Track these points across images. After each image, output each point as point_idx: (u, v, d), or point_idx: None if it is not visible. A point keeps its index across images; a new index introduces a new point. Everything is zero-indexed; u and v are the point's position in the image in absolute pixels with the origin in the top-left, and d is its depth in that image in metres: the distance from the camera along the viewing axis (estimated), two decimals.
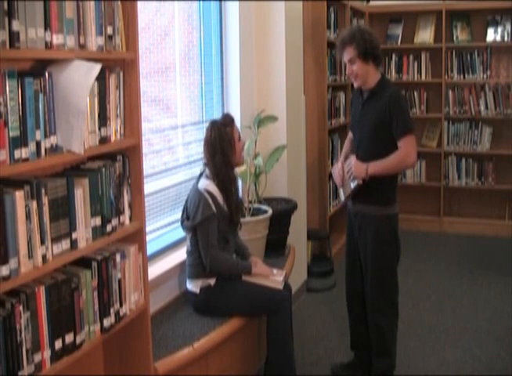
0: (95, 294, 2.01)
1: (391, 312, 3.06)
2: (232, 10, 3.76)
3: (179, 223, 3.19)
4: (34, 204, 1.70)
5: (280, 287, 2.95)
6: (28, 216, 1.68)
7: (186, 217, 2.91)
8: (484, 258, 5.27)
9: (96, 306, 2.01)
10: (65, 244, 1.84)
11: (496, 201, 6.03)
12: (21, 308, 1.68)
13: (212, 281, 2.89)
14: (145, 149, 2.48)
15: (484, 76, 5.88)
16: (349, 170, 2.99)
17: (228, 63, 3.82)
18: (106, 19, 1.97)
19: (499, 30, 5.80)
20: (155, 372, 2.39)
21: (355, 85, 3.02)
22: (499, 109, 5.83)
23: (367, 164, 2.90)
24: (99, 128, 1.98)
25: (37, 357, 1.75)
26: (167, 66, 3.23)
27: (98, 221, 1.99)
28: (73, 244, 1.88)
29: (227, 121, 2.96)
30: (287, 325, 2.91)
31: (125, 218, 2.17)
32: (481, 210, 6.10)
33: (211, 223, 2.83)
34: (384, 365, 3.10)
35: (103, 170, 2.02)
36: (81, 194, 1.90)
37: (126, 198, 2.17)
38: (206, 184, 2.88)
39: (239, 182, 3.45)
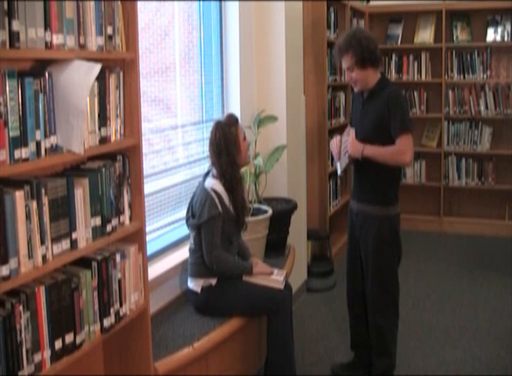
0: (95, 294, 2.01)
1: (392, 313, 3.06)
2: (232, 10, 3.76)
3: (179, 223, 3.20)
4: (34, 204, 1.70)
5: (281, 286, 2.95)
6: (28, 216, 1.68)
7: (192, 215, 2.91)
8: (484, 258, 5.27)
9: (96, 306, 2.01)
10: (65, 244, 1.84)
11: (496, 201, 6.03)
12: (21, 308, 1.68)
13: (213, 281, 2.89)
14: (145, 149, 2.48)
15: (484, 76, 5.88)
16: (346, 146, 2.98)
17: (228, 63, 3.82)
18: (106, 19, 1.97)
19: (499, 30, 5.80)
20: (155, 372, 2.39)
21: (356, 90, 3.02)
22: (499, 109, 5.83)
23: (363, 145, 2.90)
24: (99, 128, 1.98)
25: (37, 357, 1.75)
26: (167, 66, 3.23)
27: (98, 221, 1.99)
28: (73, 244, 1.88)
29: (231, 121, 2.96)
30: (287, 325, 2.91)
31: (125, 218, 2.17)
32: (481, 210, 6.10)
33: (216, 223, 2.83)
34: (384, 365, 3.10)
35: (103, 170, 2.02)
36: (81, 194, 1.90)
37: (126, 198, 2.17)
38: (213, 183, 2.88)
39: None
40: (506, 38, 5.79)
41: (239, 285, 2.92)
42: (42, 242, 1.74)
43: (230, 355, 2.90)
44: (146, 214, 2.30)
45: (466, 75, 5.92)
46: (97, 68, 1.86)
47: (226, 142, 2.89)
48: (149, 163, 3.02)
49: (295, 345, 3.03)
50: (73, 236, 1.88)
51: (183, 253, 3.15)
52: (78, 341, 1.92)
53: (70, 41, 1.82)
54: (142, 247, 2.26)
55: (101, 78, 1.96)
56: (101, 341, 2.26)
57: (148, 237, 2.46)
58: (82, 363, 2.21)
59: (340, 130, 5.25)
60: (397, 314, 3.09)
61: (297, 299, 4.17)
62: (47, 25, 1.71)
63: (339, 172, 3.17)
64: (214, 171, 2.93)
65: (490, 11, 5.80)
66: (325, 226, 4.80)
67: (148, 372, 2.34)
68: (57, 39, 1.76)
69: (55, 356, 1.82)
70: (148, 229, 2.64)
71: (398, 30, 6.16)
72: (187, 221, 2.95)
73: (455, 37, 5.97)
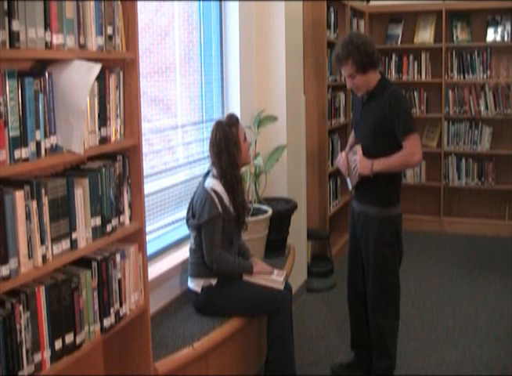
0: (95, 294, 2.01)
1: (392, 313, 3.06)
2: (232, 10, 3.76)
3: (179, 223, 3.20)
4: (34, 204, 1.70)
5: (281, 287, 2.95)
6: (28, 216, 1.68)
7: (192, 215, 2.91)
8: (484, 258, 5.27)
9: (96, 306, 2.01)
10: (65, 244, 1.84)
11: (496, 201, 6.04)
12: (21, 308, 1.68)
13: (214, 281, 2.89)
14: (145, 149, 2.48)
15: (484, 76, 5.88)
16: (355, 166, 2.98)
17: (228, 63, 3.82)
18: (106, 19, 1.97)
19: (499, 30, 5.80)
20: (155, 372, 2.39)
21: (358, 94, 3.00)
22: (499, 109, 5.83)
23: (372, 161, 2.89)
24: (99, 128, 1.98)
25: (37, 357, 1.75)
26: (167, 66, 3.23)
27: (98, 221, 1.99)
28: (73, 244, 1.88)
29: (232, 121, 2.96)
30: (287, 325, 2.91)
31: (125, 218, 2.16)
32: (481, 210, 6.10)
33: (216, 223, 2.83)
34: (384, 365, 3.09)
35: (103, 170, 2.02)
36: (81, 194, 1.90)
37: (126, 198, 2.17)
38: (213, 184, 2.88)
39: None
40: (506, 38, 5.79)
41: (239, 285, 2.92)
42: (42, 242, 1.74)
43: (230, 355, 2.90)
44: (146, 214, 2.30)
45: (466, 75, 5.92)
46: (97, 68, 1.86)
47: (227, 143, 2.89)
48: (149, 163, 3.02)
49: (295, 345, 3.03)
50: (73, 236, 1.88)
51: (183, 253, 3.15)
52: (78, 341, 1.92)
53: (70, 41, 1.81)
54: (142, 247, 2.26)
55: (101, 78, 1.96)
56: (101, 341, 2.26)
57: (148, 237, 2.46)
58: (82, 363, 2.21)
59: (340, 130, 5.28)
60: (397, 315, 3.09)
61: (297, 299, 4.17)
62: (47, 25, 1.71)
63: (350, 188, 3.17)
64: (214, 171, 2.93)
65: (490, 11, 5.80)
66: (325, 226, 4.80)
67: (148, 372, 2.34)
68: (57, 39, 1.76)
69: (55, 356, 1.82)
70: (148, 229, 2.64)
71: (398, 30, 6.16)
72: (187, 221, 2.95)
73: (455, 38, 5.96)
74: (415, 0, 5.97)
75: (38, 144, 1.72)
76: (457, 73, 5.96)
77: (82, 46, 1.87)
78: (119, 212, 2.12)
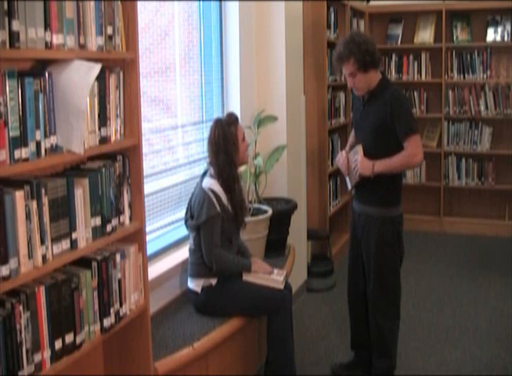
0: (95, 294, 2.01)
1: (393, 313, 3.07)
2: (232, 10, 3.76)
3: (179, 223, 3.20)
4: (34, 204, 1.70)
5: (281, 286, 2.95)
6: (28, 216, 1.68)
7: (190, 216, 2.91)
8: (484, 258, 5.27)
9: (96, 306, 2.01)
10: (65, 244, 1.84)
11: (496, 201, 6.04)
12: (21, 308, 1.68)
13: (214, 281, 2.89)
14: (145, 149, 2.48)
15: (484, 76, 5.88)
16: (355, 166, 2.97)
17: (228, 63, 3.82)
18: (106, 19, 1.97)
19: (499, 30, 5.80)
20: (155, 372, 2.39)
21: (359, 94, 2.99)
22: (499, 109, 5.83)
23: (373, 162, 2.89)
24: (99, 128, 1.98)
25: (37, 357, 1.75)
26: (167, 66, 3.23)
27: (98, 221, 1.99)
28: (73, 244, 1.88)
29: (231, 119, 2.96)
30: (287, 325, 2.91)
31: (125, 218, 2.16)
32: (481, 210, 6.10)
33: (215, 223, 2.83)
34: (385, 365, 3.09)
35: (103, 170, 2.02)
36: (81, 194, 1.90)
37: (126, 198, 2.17)
38: (210, 183, 2.88)
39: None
40: (506, 38, 5.79)
41: (239, 285, 2.92)
42: (42, 242, 1.74)
43: (230, 355, 2.90)
44: (146, 214, 2.30)
45: (466, 75, 5.92)
46: (97, 68, 1.86)
47: (225, 141, 2.89)
48: (149, 163, 3.02)
49: (295, 345, 3.03)
50: (73, 236, 1.88)
51: (183, 253, 3.15)
52: (78, 341, 1.92)
53: (70, 41, 1.82)
54: (142, 247, 2.26)
55: (101, 78, 1.96)
56: (101, 341, 2.26)
57: (148, 237, 2.46)
58: (82, 363, 2.21)
59: (340, 130, 5.28)
60: (398, 315, 3.09)
61: (297, 299, 4.17)
62: (47, 25, 1.71)
63: (349, 188, 3.18)
64: (211, 170, 2.93)
65: (490, 11, 5.80)
66: (325, 226, 4.80)
67: (148, 372, 2.34)
68: (57, 39, 1.76)
69: (55, 356, 1.82)
70: (148, 229, 2.64)
71: (398, 30, 6.16)
72: (186, 222, 2.95)
73: (455, 38, 5.96)
74: (415, 0, 5.97)
75: (38, 144, 1.72)
76: (457, 73, 5.95)
77: (82, 46, 1.87)
78: (119, 212, 2.12)
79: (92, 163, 2.06)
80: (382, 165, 2.88)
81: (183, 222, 3.00)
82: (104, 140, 2.01)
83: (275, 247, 3.73)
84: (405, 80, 6.12)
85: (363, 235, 3.04)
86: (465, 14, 5.93)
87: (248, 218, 3.41)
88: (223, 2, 3.75)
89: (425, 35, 6.03)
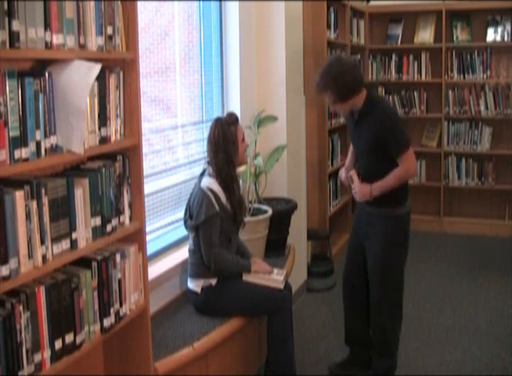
0: (95, 294, 2.01)
1: (397, 313, 3.08)
2: (232, 10, 3.76)
3: (179, 223, 3.20)
4: (34, 204, 1.70)
5: (281, 286, 2.95)
6: (28, 216, 1.68)
7: (189, 216, 2.91)
8: (484, 258, 5.27)
9: (96, 306, 2.01)
10: (65, 244, 1.84)
11: (496, 201, 6.03)
12: (21, 308, 1.68)
13: (213, 281, 2.89)
14: (145, 149, 2.48)
15: (484, 76, 5.88)
16: (355, 192, 3.00)
17: (228, 63, 3.82)
18: (106, 19, 1.97)
19: (499, 30, 5.80)
20: (155, 372, 2.39)
21: (344, 115, 3.04)
22: (499, 109, 5.83)
23: (371, 187, 2.92)
24: (99, 128, 1.98)
25: (37, 357, 1.75)
26: (167, 66, 3.23)
27: (98, 221, 1.99)
28: (73, 244, 1.88)
29: (231, 119, 2.96)
30: (287, 325, 2.91)
31: (125, 218, 2.16)
32: (481, 210, 6.10)
33: (214, 222, 2.83)
34: (385, 365, 3.10)
35: (103, 170, 2.02)
36: (81, 194, 1.90)
37: (126, 198, 2.17)
38: (209, 182, 2.87)
39: (240, 182, 3.46)
40: (506, 38, 5.78)
41: (239, 285, 2.92)
42: (42, 242, 1.74)
43: (230, 355, 2.90)
44: (146, 214, 2.30)
45: (466, 75, 5.92)
46: (97, 68, 1.86)
47: (225, 140, 2.89)
48: (149, 163, 3.02)
49: (295, 345, 3.03)
50: (73, 236, 1.88)
51: (183, 253, 3.15)
52: (78, 341, 1.92)
53: (70, 41, 1.81)
54: (142, 247, 2.26)
55: (101, 78, 1.96)
56: (101, 341, 2.26)
57: (148, 237, 2.46)
58: (82, 363, 2.21)
59: (340, 130, 5.28)
60: (401, 315, 3.10)
61: (297, 299, 4.17)
62: (47, 25, 1.71)
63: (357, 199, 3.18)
64: (209, 169, 2.93)
65: (490, 11, 5.79)
66: (325, 226, 4.80)
67: (148, 372, 2.34)
68: (57, 39, 1.76)
69: (55, 356, 1.82)
70: (148, 229, 2.64)
71: (398, 30, 6.16)
72: (185, 223, 2.95)
73: (455, 37, 5.96)
74: (415, 0, 5.97)
75: (38, 144, 1.71)
76: (457, 73, 5.95)
77: (82, 46, 1.87)
78: (119, 212, 2.12)
79: (92, 163, 2.06)
80: (379, 187, 2.92)
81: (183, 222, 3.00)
82: (104, 140, 2.01)
83: (275, 247, 3.73)
84: (405, 80, 6.12)
85: (368, 235, 3.03)
86: (465, 14, 5.93)
87: (248, 218, 3.41)
88: (223, 2, 3.75)
89: (425, 35, 6.03)
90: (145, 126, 2.75)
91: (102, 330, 2.05)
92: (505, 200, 5.96)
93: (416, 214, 6.24)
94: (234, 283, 2.92)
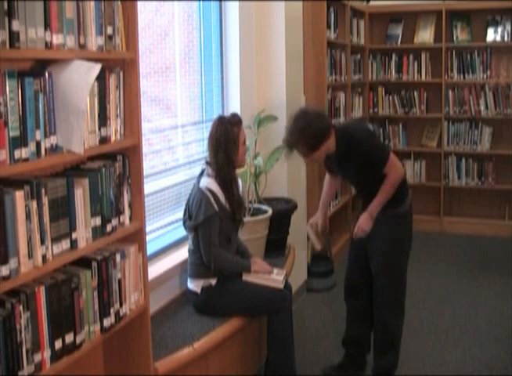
0: (95, 294, 2.01)
1: (400, 311, 3.10)
2: (232, 10, 3.76)
3: (179, 223, 3.20)
4: (34, 204, 1.70)
5: (281, 285, 2.95)
6: (28, 216, 1.68)
7: (188, 216, 2.91)
8: (484, 258, 5.27)
9: (96, 306, 2.01)
10: (65, 244, 1.84)
11: (496, 201, 6.03)
12: (21, 308, 1.68)
13: (213, 281, 2.89)
14: (145, 149, 2.48)
15: (484, 76, 5.88)
16: (356, 232, 3.00)
17: (228, 63, 3.82)
18: (106, 19, 1.97)
19: (499, 30, 5.80)
20: (155, 372, 2.39)
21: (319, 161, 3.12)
22: (499, 109, 5.82)
23: (367, 214, 2.93)
24: (99, 128, 1.98)
25: (37, 357, 1.75)
26: (167, 66, 3.23)
27: (98, 221, 1.99)
28: (73, 244, 1.88)
29: (235, 120, 2.95)
30: (287, 325, 2.91)
31: (125, 218, 2.16)
32: (481, 210, 6.09)
33: (213, 222, 2.83)
34: (387, 364, 3.10)
35: (103, 170, 2.02)
36: (81, 194, 1.90)
37: (126, 198, 2.17)
38: (208, 182, 2.87)
39: (239, 182, 3.46)
40: (506, 38, 5.78)
41: (239, 285, 2.92)
42: (42, 242, 1.74)
43: (230, 355, 2.90)
44: (146, 214, 2.30)
45: (466, 75, 5.92)
46: (97, 68, 1.86)
47: (226, 140, 2.88)
48: (149, 163, 3.02)
49: (295, 345, 3.03)
50: (73, 236, 1.88)
51: (183, 253, 3.15)
52: (78, 341, 1.92)
53: (70, 41, 1.81)
54: (142, 247, 2.26)
55: (101, 78, 1.96)
56: (101, 341, 2.26)
57: (148, 237, 2.46)
58: (82, 363, 2.21)
59: None
60: (403, 312, 3.12)
61: (297, 299, 4.16)
62: (47, 25, 1.71)
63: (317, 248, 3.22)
64: (208, 169, 2.92)
65: (490, 11, 5.79)
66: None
67: (148, 372, 2.34)
68: (57, 39, 1.76)
69: (55, 356, 1.82)
70: (148, 229, 2.64)
71: (398, 30, 6.16)
72: (184, 223, 2.95)
73: (455, 37, 5.96)
74: (415, 0, 5.97)
75: (38, 144, 1.71)
76: (457, 73, 5.95)
77: (82, 46, 1.87)
78: (119, 212, 2.12)
79: (92, 163, 2.06)
80: (375, 207, 2.94)
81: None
82: (104, 140, 2.01)
83: (275, 247, 3.73)
84: (405, 80, 6.12)
85: (371, 234, 3.02)
86: (465, 14, 5.93)
87: (248, 218, 3.41)
88: (223, 2, 3.75)
89: (425, 35, 6.03)
90: (145, 126, 2.75)
91: (102, 330, 2.05)
92: (505, 200, 5.96)
93: (416, 214, 6.16)
94: (234, 283, 2.92)
